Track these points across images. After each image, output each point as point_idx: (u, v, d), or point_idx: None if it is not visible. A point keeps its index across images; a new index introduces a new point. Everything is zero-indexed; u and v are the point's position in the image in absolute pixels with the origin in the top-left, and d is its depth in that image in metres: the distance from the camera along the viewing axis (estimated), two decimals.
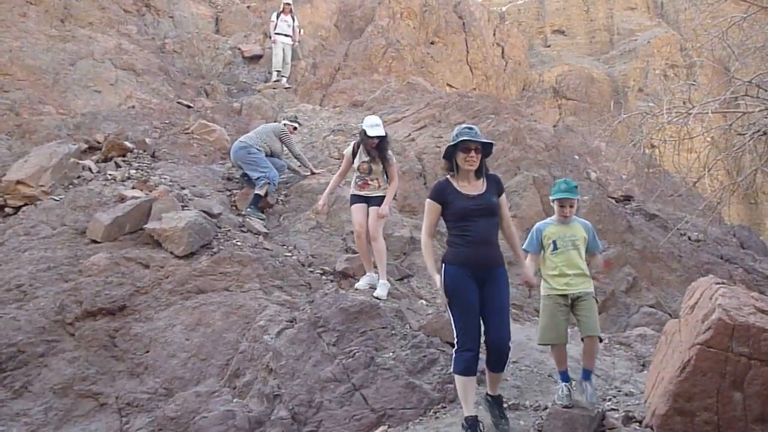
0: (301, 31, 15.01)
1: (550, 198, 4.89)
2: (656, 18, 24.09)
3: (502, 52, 20.08)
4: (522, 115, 12.02)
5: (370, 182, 6.95)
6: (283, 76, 14.30)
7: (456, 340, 4.29)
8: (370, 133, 6.76)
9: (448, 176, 4.55)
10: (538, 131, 11.20)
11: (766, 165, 8.76)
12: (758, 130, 8.64)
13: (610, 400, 5.25)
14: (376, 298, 6.35)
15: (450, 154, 4.46)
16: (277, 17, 14.33)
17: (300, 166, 9.59)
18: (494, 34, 20.09)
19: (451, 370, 4.36)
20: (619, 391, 5.61)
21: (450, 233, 4.49)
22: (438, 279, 4.36)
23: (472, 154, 4.42)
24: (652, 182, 11.43)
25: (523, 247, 4.80)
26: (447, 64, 17.57)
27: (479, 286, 4.33)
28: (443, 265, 4.39)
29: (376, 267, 6.83)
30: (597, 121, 13.76)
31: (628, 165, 11.61)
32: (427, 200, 4.53)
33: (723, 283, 4.43)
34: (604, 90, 20.77)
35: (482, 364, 4.58)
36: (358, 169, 6.94)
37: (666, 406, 4.06)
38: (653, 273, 8.75)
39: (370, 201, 6.89)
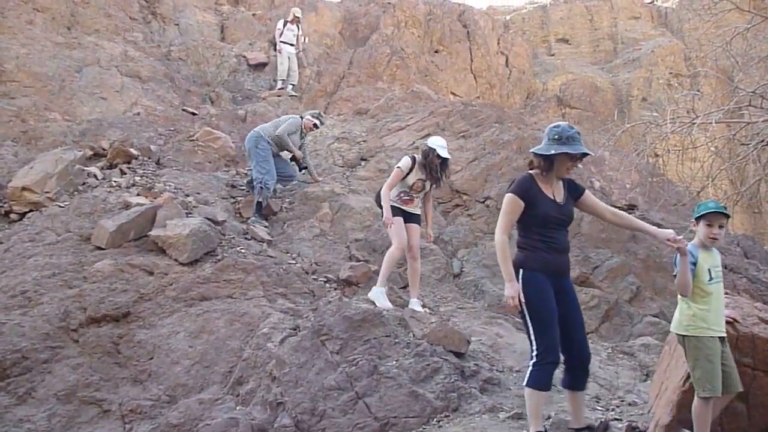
0: (306, 39, 15.02)
1: (694, 217, 3.99)
2: (660, 27, 24.12)
3: (506, 60, 20.12)
4: (526, 123, 12.03)
5: (415, 199, 7.01)
6: (291, 84, 14.27)
7: (535, 351, 3.93)
8: (442, 154, 6.82)
9: (532, 173, 4.14)
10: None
11: None
12: (762, 140, 8.65)
13: (613, 410, 5.24)
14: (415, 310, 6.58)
15: (547, 153, 4.01)
16: (284, 26, 14.31)
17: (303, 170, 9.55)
18: (498, 43, 20.14)
19: (526, 383, 3.96)
20: (623, 400, 5.60)
21: (527, 236, 4.09)
22: (514, 285, 3.96)
23: (577, 164, 4.14)
24: (656, 191, 11.41)
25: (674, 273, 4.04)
26: (451, 72, 17.61)
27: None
28: (521, 270, 4.04)
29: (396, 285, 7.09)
30: (601, 130, 13.74)
31: (632, 174, 11.59)
32: (510, 196, 4.07)
33: (727, 293, 4.43)
34: (608, 99, 20.78)
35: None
36: (412, 185, 6.94)
37: (669, 416, 4.05)
38: (657, 282, 8.73)
39: (409, 218, 6.97)
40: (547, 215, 4.03)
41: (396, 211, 6.82)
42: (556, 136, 3.99)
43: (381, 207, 6.95)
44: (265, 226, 8.42)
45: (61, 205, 7.87)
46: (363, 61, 15.31)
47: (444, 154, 6.85)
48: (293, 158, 9.35)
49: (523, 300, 3.92)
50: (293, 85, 14.34)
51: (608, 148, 11.65)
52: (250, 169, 8.96)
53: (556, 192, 4.12)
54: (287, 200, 9.24)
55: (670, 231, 4.01)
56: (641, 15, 24.27)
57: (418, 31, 17.42)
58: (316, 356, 5.54)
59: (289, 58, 14.21)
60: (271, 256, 7.49)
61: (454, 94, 17.12)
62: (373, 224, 8.83)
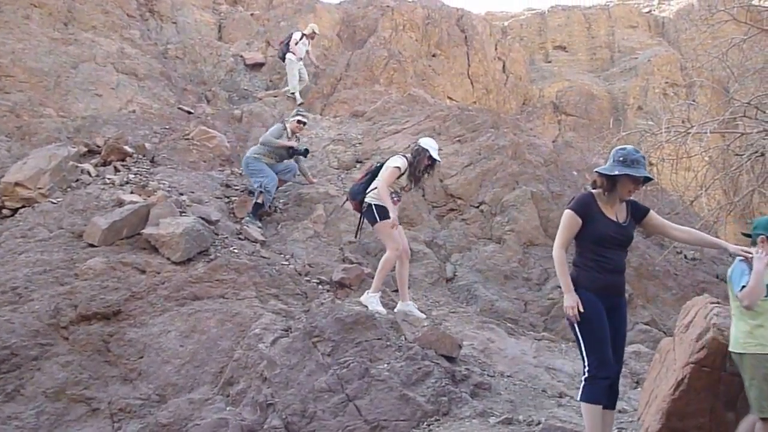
0: (314, 59, 14.55)
1: (757, 232, 4.09)
2: (657, 37, 24.21)
3: (504, 66, 20.15)
4: (521, 129, 12.05)
5: (401, 200, 7.03)
6: (293, 92, 13.90)
7: (588, 368, 3.92)
8: (435, 156, 6.85)
9: (593, 192, 4.13)
10: (537, 146, 11.23)
11: (763, 185, 8.80)
12: (756, 151, 8.69)
13: None
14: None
15: (610, 173, 4.00)
16: (300, 38, 13.82)
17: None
18: (496, 49, 20.18)
19: (581, 398, 3.94)
20: None
21: (583, 255, 4.10)
22: (573, 296, 3.94)
23: (639, 188, 4.14)
24: (650, 200, 11.42)
25: (741, 284, 3.91)
26: (448, 76, 17.62)
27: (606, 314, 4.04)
28: (575, 288, 4.00)
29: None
30: (596, 138, 13.79)
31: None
32: (568, 212, 4.07)
33: (718, 303, 4.45)
34: (604, 107, 20.82)
35: None
36: (404, 186, 6.94)
37: (659, 424, 4.06)
38: (649, 290, 8.76)
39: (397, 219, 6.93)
40: (603, 234, 4.03)
41: (386, 212, 6.67)
42: (621, 158, 4.00)
43: (356, 202, 6.89)
44: (259, 227, 8.40)
45: (54, 201, 7.83)
46: (360, 63, 15.30)
47: (436, 156, 6.87)
48: (291, 156, 9.23)
49: (576, 316, 3.94)
50: (298, 91, 13.96)
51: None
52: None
53: (618, 212, 4.11)
54: (281, 201, 9.23)
55: (740, 247, 4.11)
56: (638, 24, 24.35)
57: (415, 34, 17.43)
58: (307, 358, 5.53)
59: (299, 69, 13.78)
60: (264, 257, 7.48)
61: (450, 98, 17.12)
62: (367, 227, 8.81)
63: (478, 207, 9.64)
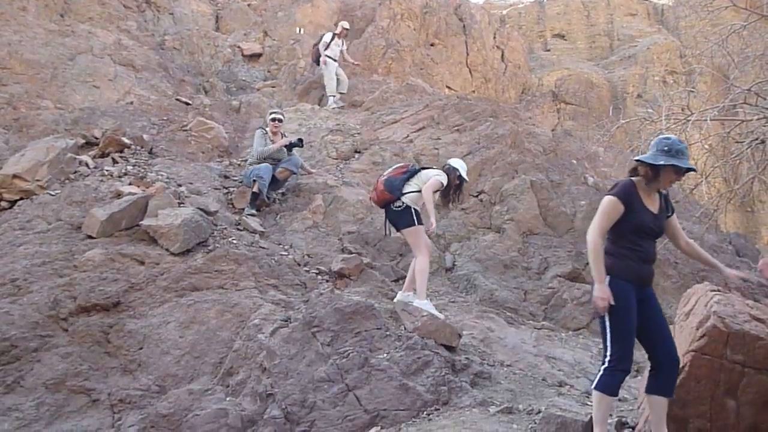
0: (350, 58, 14.05)
1: None
2: (656, 24, 24.14)
3: (502, 55, 20.09)
4: (520, 118, 12.02)
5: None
6: (340, 92, 13.50)
7: (609, 357, 3.88)
8: (465, 176, 7.00)
9: (634, 180, 4.07)
10: (536, 135, 11.21)
11: (764, 173, 8.78)
12: (756, 139, 8.65)
13: None
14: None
15: (655, 162, 3.95)
16: (331, 39, 13.43)
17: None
18: (494, 37, 20.10)
19: (595, 387, 3.91)
20: None
21: (619, 244, 4.02)
22: (605, 288, 3.89)
23: (680, 178, 4.11)
24: None
25: None
26: (446, 66, 17.57)
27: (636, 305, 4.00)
28: (607, 277, 3.95)
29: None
30: (595, 126, 13.74)
31: (626, 170, 11.60)
32: (611, 198, 3.99)
33: (718, 291, 4.44)
34: (603, 95, 20.79)
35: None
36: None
37: None
38: None
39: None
40: (642, 224, 3.99)
41: (421, 219, 6.73)
42: (666, 148, 3.95)
43: (392, 197, 6.69)
44: (254, 215, 8.35)
45: (52, 193, 7.81)
46: (358, 53, 15.25)
47: (465, 176, 7.00)
48: (290, 151, 9.19)
49: (605, 308, 3.88)
50: (342, 93, 13.52)
51: (602, 144, 11.67)
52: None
53: (653, 203, 4.08)
54: (280, 192, 9.20)
55: (735, 272, 4.20)
56: (638, 12, 24.28)
57: (414, 24, 17.36)
58: (306, 348, 5.53)
59: (336, 71, 13.42)
60: (263, 248, 7.47)
61: (449, 87, 17.08)
62: (366, 217, 8.81)
63: (477, 196, 9.63)
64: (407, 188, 6.73)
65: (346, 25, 13.87)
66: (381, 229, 8.58)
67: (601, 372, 3.91)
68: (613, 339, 3.89)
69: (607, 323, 3.90)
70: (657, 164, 3.94)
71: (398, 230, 6.84)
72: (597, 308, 3.87)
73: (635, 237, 3.99)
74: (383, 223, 7.02)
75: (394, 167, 7.02)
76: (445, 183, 6.82)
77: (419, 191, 6.71)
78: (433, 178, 6.76)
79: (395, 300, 6.70)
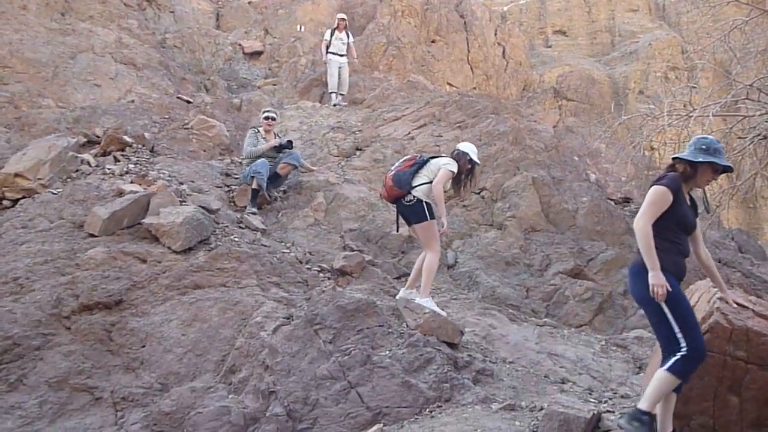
0: (352, 52, 13.72)
1: None
2: (658, 20, 24.09)
3: (503, 51, 20.07)
4: (522, 115, 12.01)
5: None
6: (340, 93, 13.37)
7: (686, 346, 3.77)
8: (475, 159, 6.66)
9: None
10: (538, 132, 11.20)
11: (766, 169, 8.77)
12: (758, 134, 8.64)
13: (606, 402, 5.25)
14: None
15: (694, 159, 3.99)
16: (331, 35, 13.27)
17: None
18: (495, 34, 20.08)
19: (669, 368, 3.80)
20: (615, 393, 5.61)
21: (662, 236, 3.97)
22: (661, 275, 3.82)
23: (716, 177, 4.16)
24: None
25: None
26: (447, 63, 17.56)
27: None
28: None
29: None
30: (597, 123, 13.74)
31: (628, 167, 11.59)
32: (662, 188, 3.95)
33: None
34: (605, 91, 20.77)
35: None
36: (447, 190, 6.76)
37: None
38: None
39: None
40: (686, 217, 4.03)
41: (434, 212, 6.47)
42: (704, 147, 4.00)
43: (402, 191, 6.43)
44: (254, 213, 8.33)
45: (54, 192, 7.82)
46: (359, 50, 15.23)
47: (476, 159, 6.68)
48: (279, 152, 9.11)
49: (665, 295, 3.82)
50: (342, 95, 13.41)
51: (604, 141, 11.66)
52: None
53: (686, 201, 4.12)
54: (282, 189, 9.20)
55: (736, 294, 4.20)
56: (639, 8, 24.23)
57: (414, 20, 17.35)
58: (309, 345, 5.53)
59: (339, 68, 13.26)
60: (264, 245, 7.46)
61: (450, 84, 17.07)
62: (368, 214, 8.81)
63: (479, 193, 9.62)
64: (417, 180, 6.44)
65: (341, 15, 13.70)
66: (382, 227, 8.60)
67: (677, 357, 3.79)
68: (683, 329, 3.82)
69: (669, 315, 3.84)
70: (696, 161, 3.97)
71: (410, 225, 6.63)
72: (656, 296, 3.81)
73: (677, 230, 4.01)
74: (395, 218, 6.81)
75: (402, 160, 6.76)
76: (455, 171, 6.51)
77: (430, 182, 6.44)
78: (442, 169, 6.44)
79: (398, 297, 6.67)
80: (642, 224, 3.94)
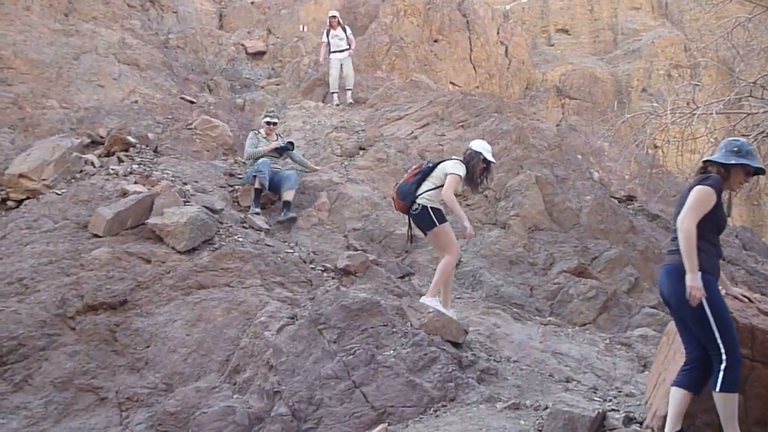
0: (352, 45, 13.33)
1: None
2: (660, 18, 24.05)
3: (506, 50, 20.06)
4: (525, 113, 12.00)
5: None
6: (347, 89, 13.15)
7: (725, 354, 3.74)
8: (489, 158, 6.49)
9: None
10: (541, 130, 11.19)
11: None
12: (762, 132, 8.63)
13: (610, 400, 5.24)
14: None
15: (726, 161, 3.95)
16: (328, 35, 13.07)
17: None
18: (498, 33, 20.07)
19: (721, 389, 3.72)
20: (620, 391, 5.60)
21: (705, 239, 3.91)
22: (699, 278, 3.76)
23: (748, 179, 4.15)
24: (655, 183, 11.41)
25: None
26: (450, 62, 17.56)
27: None
28: (700, 273, 3.83)
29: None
30: (600, 121, 13.73)
31: (631, 165, 11.59)
32: (708, 188, 3.89)
33: None
34: (608, 90, 20.75)
35: None
36: (460, 193, 6.70)
37: (667, 407, 4.04)
38: (655, 273, 8.69)
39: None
40: (723, 219, 4.01)
41: (444, 216, 6.40)
42: (736, 149, 3.96)
43: (405, 203, 6.42)
44: (257, 214, 8.30)
45: (59, 192, 7.84)
46: (362, 50, 15.24)
47: (490, 158, 6.51)
48: (281, 155, 9.09)
49: (705, 302, 3.77)
50: (350, 90, 13.15)
51: (607, 139, 11.65)
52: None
53: None
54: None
55: (738, 290, 4.21)
56: (641, 5, 24.18)
57: (417, 20, 17.34)
58: (313, 345, 5.54)
59: (341, 64, 13.04)
60: (268, 245, 7.47)
61: (453, 83, 17.07)
62: (371, 214, 8.81)
63: (482, 192, 9.61)
64: (423, 188, 6.36)
65: (332, 13, 13.42)
66: (386, 226, 8.61)
67: (721, 372, 3.74)
68: (723, 336, 3.76)
69: (711, 318, 3.78)
70: (728, 163, 3.93)
71: (425, 234, 6.55)
72: (693, 299, 3.76)
73: (716, 232, 3.98)
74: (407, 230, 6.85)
75: (410, 170, 6.68)
76: (463, 174, 6.38)
77: (438, 187, 6.34)
78: (448, 176, 6.32)
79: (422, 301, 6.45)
80: (687, 225, 3.86)
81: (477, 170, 6.49)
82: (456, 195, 6.51)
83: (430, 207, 6.28)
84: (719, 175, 3.96)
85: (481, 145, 6.58)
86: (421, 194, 6.33)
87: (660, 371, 4.64)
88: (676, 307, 3.93)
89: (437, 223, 6.28)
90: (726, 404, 3.74)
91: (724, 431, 3.77)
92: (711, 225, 3.93)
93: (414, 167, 6.73)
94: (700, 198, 3.90)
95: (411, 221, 6.57)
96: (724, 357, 3.74)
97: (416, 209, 6.34)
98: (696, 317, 3.83)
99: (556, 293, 8.16)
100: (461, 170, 6.38)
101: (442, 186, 6.32)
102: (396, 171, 9.87)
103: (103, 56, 12.35)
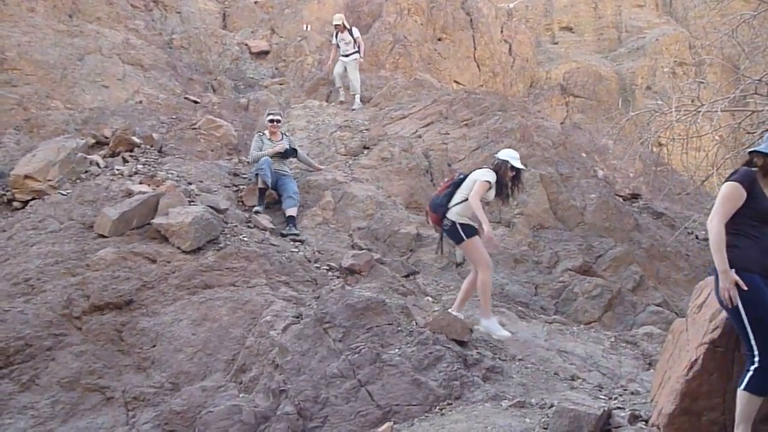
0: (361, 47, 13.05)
1: None
2: (665, 15, 23.98)
3: (510, 48, 20.02)
4: (529, 112, 11.98)
5: None
6: (352, 94, 12.91)
7: (758, 357, 3.64)
8: (517, 164, 6.45)
9: (754, 170, 3.91)
10: (545, 128, 11.17)
11: None
12: (767, 129, 8.59)
13: (616, 398, 5.24)
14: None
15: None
16: (336, 37, 13.01)
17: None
18: (502, 31, 20.04)
19: (745, 387, 3.66)
20: (626, 389, 5.60)
21: (743, 233, 3.83)
22: (731, 276, 3.67)
23: None
24: (660, 181, 11.38)
25: None
26: (454, 60, 17.54)
27: None
28: (732, 269, 3.73)
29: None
30: (604, 119, 13.71)
31: (636, 163, 11.56)
32: (734, 184, 3.82)
33: None
34: (612, 88, 20.69)
35: None
36: (488, 202, 6.52)
37: (673, 405, 4.04)
38: (660, 272, 8.74)
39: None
40: (766, 210, 3.85)
41: (472, 229, 6.28)
42: None
43: (437, 215, 6.40)
44: (258, 212, 8.29)
45: (64, 193, 7.86)
46: (366, 49, 15.21)
47: (519, 165, 6.44)
48: (286, 158, 9.07)
49: (738, 301, 3.67)
50: (356, 95, 12.84)
51: (612, 137, 11.61)
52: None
53: None
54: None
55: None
56: (645, 3, 24.12)
57: (420, 19, 17.33)
58: (318, 344, 5.55)
59: (345, 67, 12.90)
60: (273, 245, 7.49)
61: (457, 82, 17.06)
62: (376, 213, 8.81)
63: (513, 203, 9.58)
64: (454, 200, 6.33)
65: (335, 21, 13.11)
66: (391, 225, 8.62)
67: (750, 372, 3.66)
68: (758, 336, 3.66)
69: (744, 317, 3.69)
70: (762, 152, 3.85)
71: (456, 247, 6.54)
72: (725, 299, 3.69)
73: (759, 224, 3.84)
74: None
75: (443, 183, 6.60)
76: (493, 181, 6.31)
77: (465, 201, 6.29)
78: (477, 182, 6.26)
79: (455, 313, 6.36)
80: (714, 223, 3.78)
81: (506, 179, 6.47)
82: (487, 203, 6.47)
83: (459, 223, 6.26)
84: (765, 166, 3.87)
85: (507, 153, 6.54)
86: (451, 207, 6.33)
87: (665, 369, 4.63)
88: (721, 306, 3.84)
89: (465, 238, 6.25)
90: (747, 404, 3.68)
91: (734, 429, 3.74)
92: (750, 219, 3.82)
93: (447, 179, 6.71)
94: (726, 194, 3.83)
95: (441, 234, 6.60)
96: (756, 358, 3.65)
97: (446, 224, 6.34)
98: (732, 314, 3.76)
99: (561, 292, 8.16)
100: (490, 176, 6.34)
101: None
102: (400, 170, 9.88)
103: (107, 57, 12.38)
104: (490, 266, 6.34)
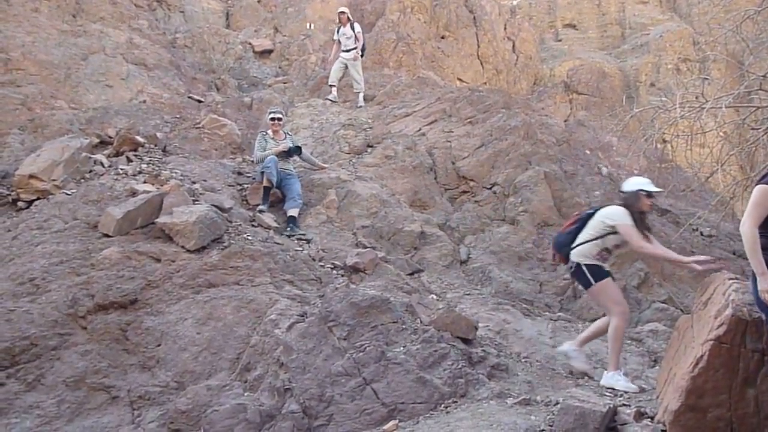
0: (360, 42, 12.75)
1: None
2: (668, 12, 23.90)
3: (513, 46, 19.99)
4: (533, 109, 11.96)
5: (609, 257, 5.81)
6: (356, 92, 12.78)
7: None
8: (651, 189, 5.65)
9: None
10: (549, 126, 11.15)
11: None
12: None
13: (621, 395, 5.23)
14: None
15: None
16: (338, 32, 12.78)
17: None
18: (505, 29, 20.01)
19: None
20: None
21: None
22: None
23: None
24: (664, 177, 11.33)
25: None
26: (457, 58, 17.52)
27: None
28: None
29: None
30: (608, 116, 13.66)
31: (640, 160, 11.52)
32: (764, 187, 3.80)
33: (736, 279, 4.40)
34: (616, 85, 20.63)
35: None
36: (619, 245, 5.75)
37: (678, 402, 4.04)
38: (665, 268, 8.70)
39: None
40: None
41: (602, 271, 5.71)
42: None
43: (561, 255, 5.89)
44: (262, 211, 8.29)
45: (68, 192, 7.88)
46: (369, 47, 15.20)
47: (651, 188, 5.64)
48: (289, 157, 9.06)
49: None
50: (359, 93, 12.69)
51: (616, 134, 11.58)
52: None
53: None
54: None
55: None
56: (649, 0, 24.05)
57: (424, 16, 17.31)
58: (323, 342, 5.55)
59: (347, 65, 12.70)
60: (277, 243, 7.49)
61: (460, 80, 17.04)
62: (380, 211, 8.81)
63: (490, 188, 9.60)
64: (579, 239, 5.75)
65: (341, 9, 12.98)
66: (395, 223, 8.63)
67: None
68: None
69: None
70: None
71: (586, 291, 5.91)
72: (766, 302, 3.66)
73: None
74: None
75: (569, 219, 6.09)
76: (631, 222, 5.59)
77: (591, 240, 5.70)
78: (621, 227, 5.58)
79: (559, 349, 6.14)
80: (747, 227, 3.77)
81: (645, 210, 5.68)
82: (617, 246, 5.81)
83: (584, 264, 5.68)
84: None
85: (636, 183, 5.75)
86: (575, 247, 5.76)
87: (671, 366, 4.63)
88: (760, 309, 3.82)
89: (593, 282, 5.65)
90: None
91: None
92: None
93: (574, 214, 6.16)
94: (757, 198, 3.83)
95: (573, 275, 5.94)
96: None
97: (571, 267, 5.80)
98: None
99: (566, 289, 8.15)
100: (629, 219, 5.60)
101: (600, 238, 5.68)
102: (404, 168, 9.88)
103: (111, 56, 12.40)
104: (625, 312, 5.63)
